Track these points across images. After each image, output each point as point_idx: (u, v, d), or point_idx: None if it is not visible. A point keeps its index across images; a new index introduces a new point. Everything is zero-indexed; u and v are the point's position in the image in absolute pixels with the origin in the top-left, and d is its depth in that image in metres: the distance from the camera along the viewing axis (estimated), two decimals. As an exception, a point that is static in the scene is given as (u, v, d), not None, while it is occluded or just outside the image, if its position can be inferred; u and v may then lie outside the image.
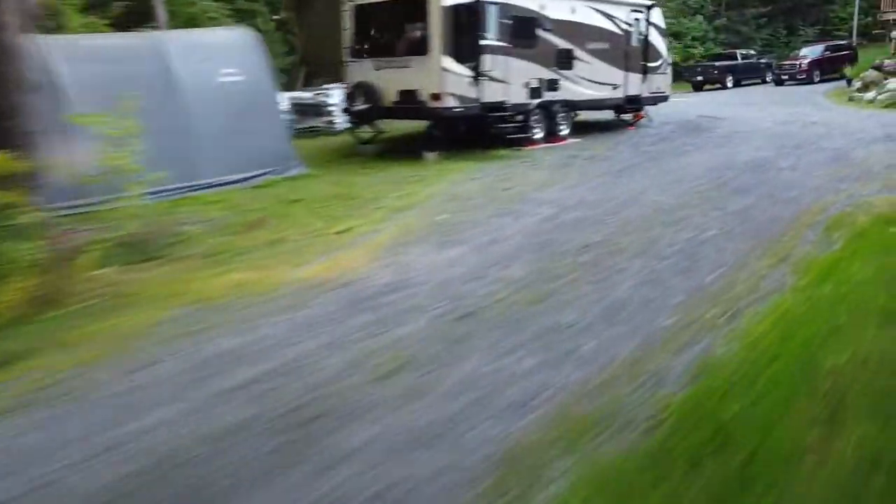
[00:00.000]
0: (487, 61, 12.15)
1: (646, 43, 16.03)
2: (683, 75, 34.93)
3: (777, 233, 6.87)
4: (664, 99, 17.39)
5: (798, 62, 31.63)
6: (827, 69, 31.31)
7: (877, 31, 36.70)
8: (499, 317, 4.76)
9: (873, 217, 7.09)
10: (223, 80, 9.78)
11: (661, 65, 16.72)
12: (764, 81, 34.36)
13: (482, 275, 5.73)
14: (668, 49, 17.10)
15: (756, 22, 42.81)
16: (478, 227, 7.51)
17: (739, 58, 34.23)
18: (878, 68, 26.70)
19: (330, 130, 15.78)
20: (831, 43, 33.39)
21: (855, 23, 38.46)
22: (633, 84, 15.73)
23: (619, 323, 4.62)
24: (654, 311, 4.76)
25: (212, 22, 16.85)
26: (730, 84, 33.34)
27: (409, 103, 12.07)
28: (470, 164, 11.92)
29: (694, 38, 40.26)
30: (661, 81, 16.86)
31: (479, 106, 12.25)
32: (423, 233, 7.30)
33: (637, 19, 15.61)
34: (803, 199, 8.43)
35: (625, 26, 15.23)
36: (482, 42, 12.06)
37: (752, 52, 35.62)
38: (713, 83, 33.62)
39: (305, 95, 16.66)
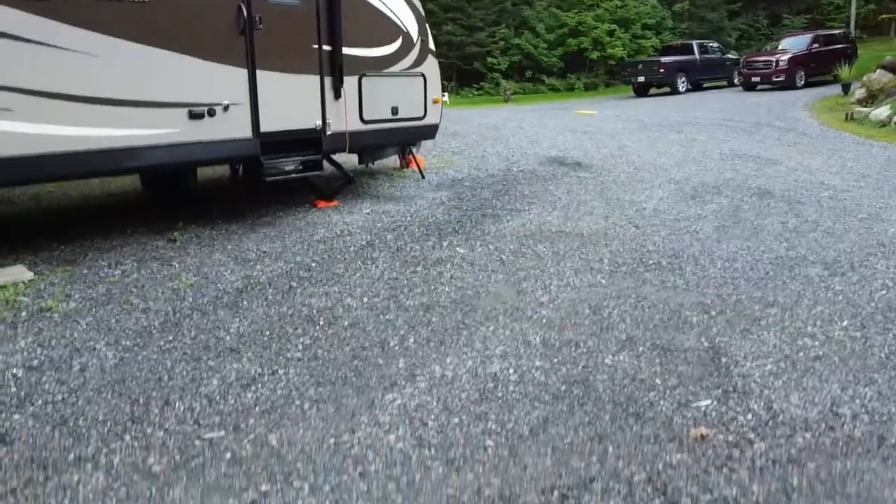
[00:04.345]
0: None
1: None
2: (622, 75, 25.92)
3: None
4: (423, 133, 7.70)
5: (775, 59, 22.24)
6: (815, 69, 22.14)
7: (884, 18, 27.28)
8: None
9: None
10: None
11: (395, 54, 7.01)
12: (731, 84, 25.35)
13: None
14: (422, 16, 7.23)
15: (728, 8, 33.65)
16: None
17: (697, 52, 24.86)
18: (891, 67, 17.22)
19: None
20: (821, 33, 23.96)
21: (853, 10, 29.39)
22: (285, 103, 6.10)
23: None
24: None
25: None
26: (682, 87, 24.27)
27: None
28: None
29: (646, 27, 31.11)
30: (407, 93, 7.16)
31: None
32: None
33: None
34: None
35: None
36: None
37: (715, 44, 26.20)
38: (660, 86, 24.44)
39: None
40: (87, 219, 6.80)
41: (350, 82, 6.62)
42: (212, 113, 5.60)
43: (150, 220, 6.43)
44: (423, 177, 8.47)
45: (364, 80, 6.74)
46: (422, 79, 7.34)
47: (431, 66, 7.44)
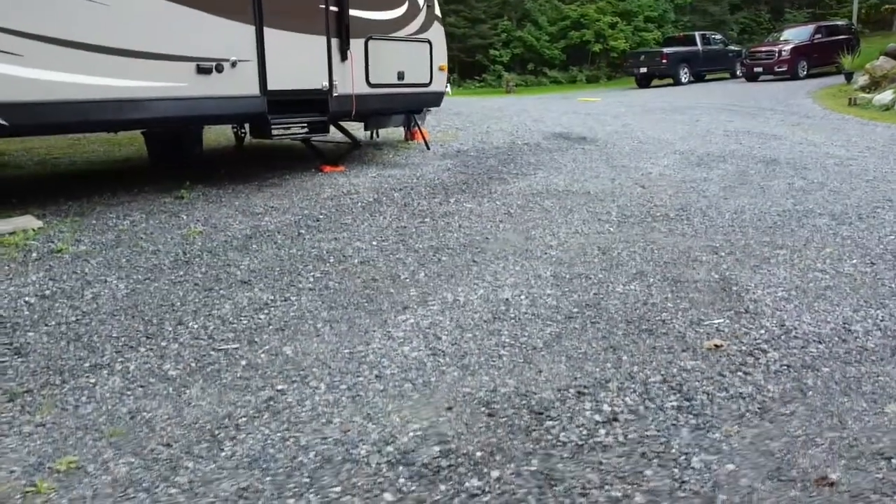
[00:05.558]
0: None
1: None
2: (625, 66, 25.92)
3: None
4: (429, 100, 7.69)
5: (777, 49, 22.23)
6: (817, 60, 22.12)
7: (888, 8, 27.34)
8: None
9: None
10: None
11: (401, 18, 7.02)
12: (733, 75, 25.32)
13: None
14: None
15: (730, 1, 33.67)
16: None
17: (700, 43, 24.82)
18: (894, 54, 17.21)
19: None
20: (824, 24, 23.98)
21: (855, 5, 29.37)
22: (292, 62, 6.12)
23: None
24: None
25: None
26: (685, 78, 24.21)
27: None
28: None
29: (648, 20, 31.12)
30: (413, 58, 7.16)
31: None
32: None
33: None
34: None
35: None
36: None
37: (718, 36, 26.19)
38: (662, 77, 24.39)
39: None
40: (93, 181, 6.81)
41: (356, 45, 6.62)
42: (220, 69, 5.61)
43: (157, 181, 6.43)
44: (427, 147, 8.48)
45: (370, 43, 6.74)
46: (428, 45, 7.34)
47: (437, 33, 7.45)
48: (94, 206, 5.55)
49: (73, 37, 4.87)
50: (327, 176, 6.84)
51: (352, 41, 6.55)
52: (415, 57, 7.23)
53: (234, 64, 5.70)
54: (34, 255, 4.24)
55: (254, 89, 5.89)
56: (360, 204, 5.64)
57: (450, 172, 7.03)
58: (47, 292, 3.58)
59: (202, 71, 5.51)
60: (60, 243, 4.45)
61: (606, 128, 10.60)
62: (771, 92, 18.19)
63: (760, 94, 17.98)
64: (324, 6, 6.32)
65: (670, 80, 24.20)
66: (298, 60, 6.19)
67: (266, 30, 5.86)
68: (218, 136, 9.25)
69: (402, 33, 7.09)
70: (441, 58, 7.55)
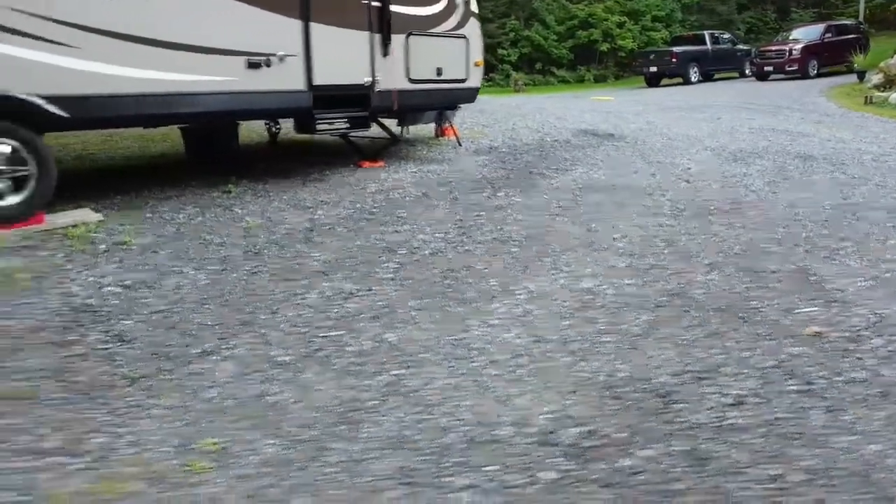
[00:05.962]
0: None
1: None
2: (634, 65, 25.96)
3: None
4: (465, 97, 7.70)
5: (787, 48, 22.26)
6: (828, 59, 22.12)
7: (894, 8, 27.37)
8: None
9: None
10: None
11: (440, 14, 7.04)
12: (742, 75, 25.33)
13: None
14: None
15: (738, 2, 33.71)
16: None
17: (709, 42, 24.84)
18: (908, 54, 17.27)
19: None
20: (834, 23, 24.02)
21: (861, 5, 29.39)
22: (337, 57, 6.13)
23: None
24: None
25: None
26: (694, 77, 24.20)
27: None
28: None
29: (656, 19, 31.15)
30: (450, 54, 7.18)
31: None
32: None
33: None
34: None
35: None
36: None
37: (727, 35, 26.24)
38: (672, 76, 24.39)
39: None
40: (133, 175, 6.81)
41: (397, 40, 6.63)
42: (268, 63, 5.62)
43: (199, 175, 6.44)
44: (459, 144, 8.50)
45: (410, 38, 6.76)
46: (465, 41, 7.36)
47: (474, 29, 7.47)
48: (145, 200, 5.55)
49: (131, 30, 4.87)
50: (367, 171, 6.86)
51: (393, 37, 6.56)
52: (452, 53, 7.25)
53: (281, 58, 5.71)
54: (102, 247, 4.25)
55: (300, 84, 5.90)
56: (408, 198, 5.66)
57: (489, 168, 7.05)
58: (128, 282, 3.59)
59: (252, 65, 5.52)
60: (124, 236, 4.46)
61: (631, 125, 10.63)
62: (784, 91, 18.23)
63: (773, 92, 18.01)
64: (366, 1, 6.33)
65: (679, 80, 24.23)
66: (343, 56, 6.20)
67: (312, 25, 5.86)
68: (249, 132, 9.25)
69: (440, 29, 7.11)
70: (477, 54, 7.57)
